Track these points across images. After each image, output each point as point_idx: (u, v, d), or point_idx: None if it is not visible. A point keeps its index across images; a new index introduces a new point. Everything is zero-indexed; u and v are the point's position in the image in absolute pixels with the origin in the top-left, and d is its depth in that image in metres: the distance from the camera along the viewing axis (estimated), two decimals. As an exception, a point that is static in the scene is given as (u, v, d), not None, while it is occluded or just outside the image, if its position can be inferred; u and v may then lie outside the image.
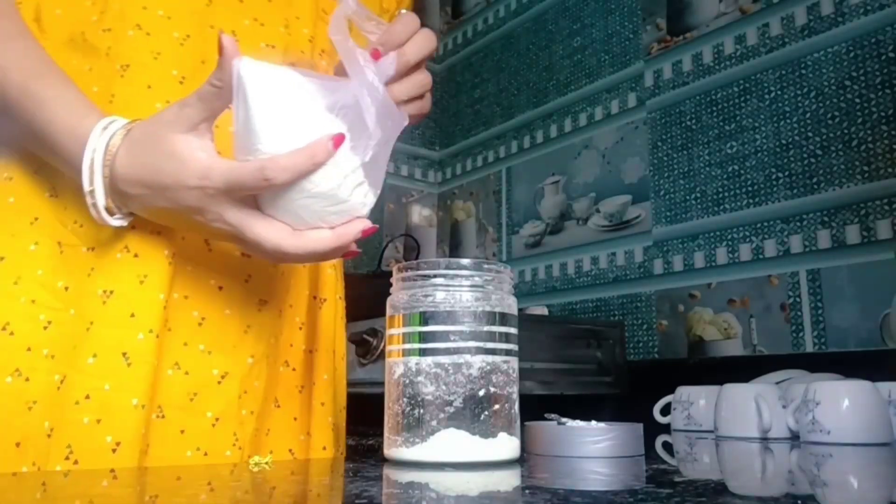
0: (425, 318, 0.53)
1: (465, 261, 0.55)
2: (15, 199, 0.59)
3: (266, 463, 0.56)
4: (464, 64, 2.39)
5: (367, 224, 0.53)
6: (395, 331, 0.55)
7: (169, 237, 0.59)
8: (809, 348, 1.36)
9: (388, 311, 0.56)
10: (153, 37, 0.62)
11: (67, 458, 0.54)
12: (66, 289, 0.58)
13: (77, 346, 0.56)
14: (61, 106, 0.55)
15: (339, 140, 0.49)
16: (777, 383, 0.99)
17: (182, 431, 0.59)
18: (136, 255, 0.58)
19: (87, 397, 0.55)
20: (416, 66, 0.58)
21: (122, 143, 0.53)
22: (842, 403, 0.80)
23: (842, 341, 1.32)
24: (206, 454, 0.59)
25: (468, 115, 2.32)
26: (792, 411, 0.86)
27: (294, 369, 0.68)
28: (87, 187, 0.53)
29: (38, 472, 0.53)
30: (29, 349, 0.56)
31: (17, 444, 0.54)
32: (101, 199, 0.53)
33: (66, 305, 0.57)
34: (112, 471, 0.53)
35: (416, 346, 0.53)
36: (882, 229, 1.30)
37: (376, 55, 0.54)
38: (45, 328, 0.56)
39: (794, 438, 0.86)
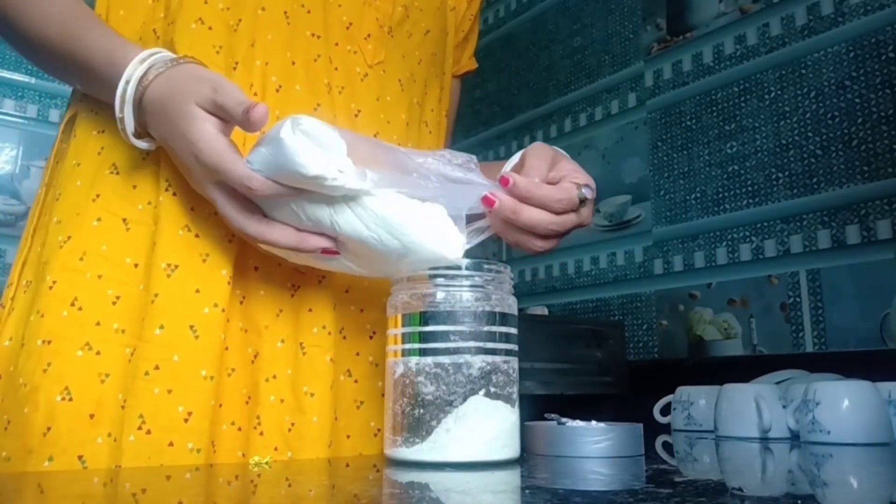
0: (425, 318, 0.53)
1: (465, 261, 0.55)
2: (81, 182, 0.62)
3: (266, 463, 0.56)
4: (464, 64, 2.38)
5: (329, 245, 0.55)
6: (395, 331, 0.55)
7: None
8: (809, 348, 1.36)
9: (389, 311, 0.56)
10: (215, 31, 0.63)
11: (140, 428, 0.55)
12: (136, 265, 0.59)
13: (145, 318, 0.58)
14: (99, 41, 0.59)
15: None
16: (777, 383, 0.99)
17: (220, 405, 0.59)
18: (196, 235, 0.60)
19: (157, 368, 0.56)
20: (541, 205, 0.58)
21: (162, 75, 0.55)
22: (842, 403, 0.80)
23: (842, 341, 1.32)
24: (239, 429, 0.60)
25: (468, 115, 2.32)
26: (792, 411, 0.86)
27: (332, 360, 0.65)
28: (118, 114, 0.56)
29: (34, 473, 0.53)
30: (98, 324, 0.57)
31: (91, 416, 0.55)
32: (129, 126, 0.56)
33: (136, 281, 0.59)
34: (117, 467, 0.53)
35: (416, 346, 0.53)
36: (882, 229, 1.30)
37: (504, 182, 0.56)
38: (114, 303, 0.58)
39: (794, 438, 0.86)
